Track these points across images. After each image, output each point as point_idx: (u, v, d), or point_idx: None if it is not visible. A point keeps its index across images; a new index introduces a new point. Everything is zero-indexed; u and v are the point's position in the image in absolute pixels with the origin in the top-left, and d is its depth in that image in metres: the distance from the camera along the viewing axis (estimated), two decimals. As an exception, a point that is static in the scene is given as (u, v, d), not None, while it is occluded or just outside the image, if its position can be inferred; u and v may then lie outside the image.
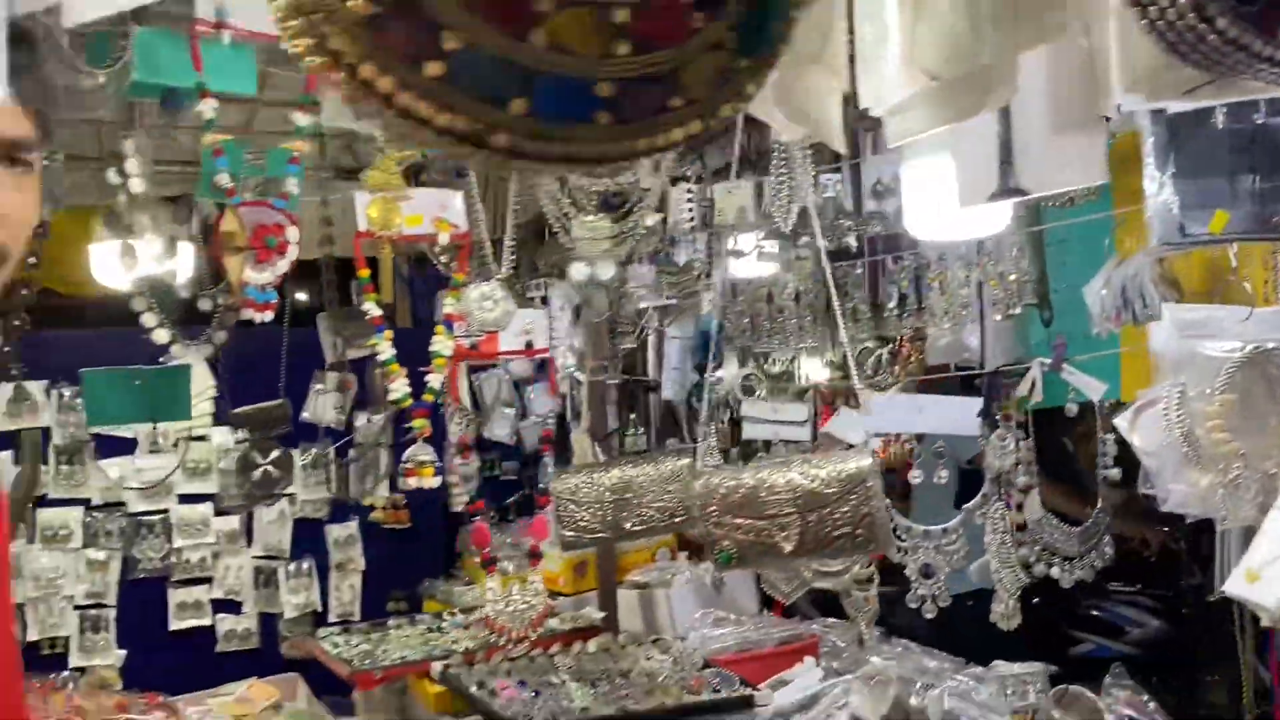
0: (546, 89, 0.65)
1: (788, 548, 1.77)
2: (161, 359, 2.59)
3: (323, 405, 3.43)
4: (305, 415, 3.48)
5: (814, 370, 2.86)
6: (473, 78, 0.65)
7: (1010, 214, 1.78)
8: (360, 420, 3.63)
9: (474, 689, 2.21)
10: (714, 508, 1.83)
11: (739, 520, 1.81)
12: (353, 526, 3.77)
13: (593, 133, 0.67)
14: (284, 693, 3.33)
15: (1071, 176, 1.35)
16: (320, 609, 3.71)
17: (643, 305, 2.93)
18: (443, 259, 2.51)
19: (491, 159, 0.65)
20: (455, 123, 0.65)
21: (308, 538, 3.74)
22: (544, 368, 3.95)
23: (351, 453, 3.63)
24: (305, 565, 3.67)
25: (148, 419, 2.34)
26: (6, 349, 2.09)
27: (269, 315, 1.90)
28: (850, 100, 0.95)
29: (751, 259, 2.52)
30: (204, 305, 2.27)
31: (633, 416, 3.28)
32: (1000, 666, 2.20)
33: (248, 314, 1.90)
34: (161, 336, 2.12)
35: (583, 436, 2.86)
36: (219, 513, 3.55)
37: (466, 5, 0.64)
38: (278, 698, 3.30)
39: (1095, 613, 3.20)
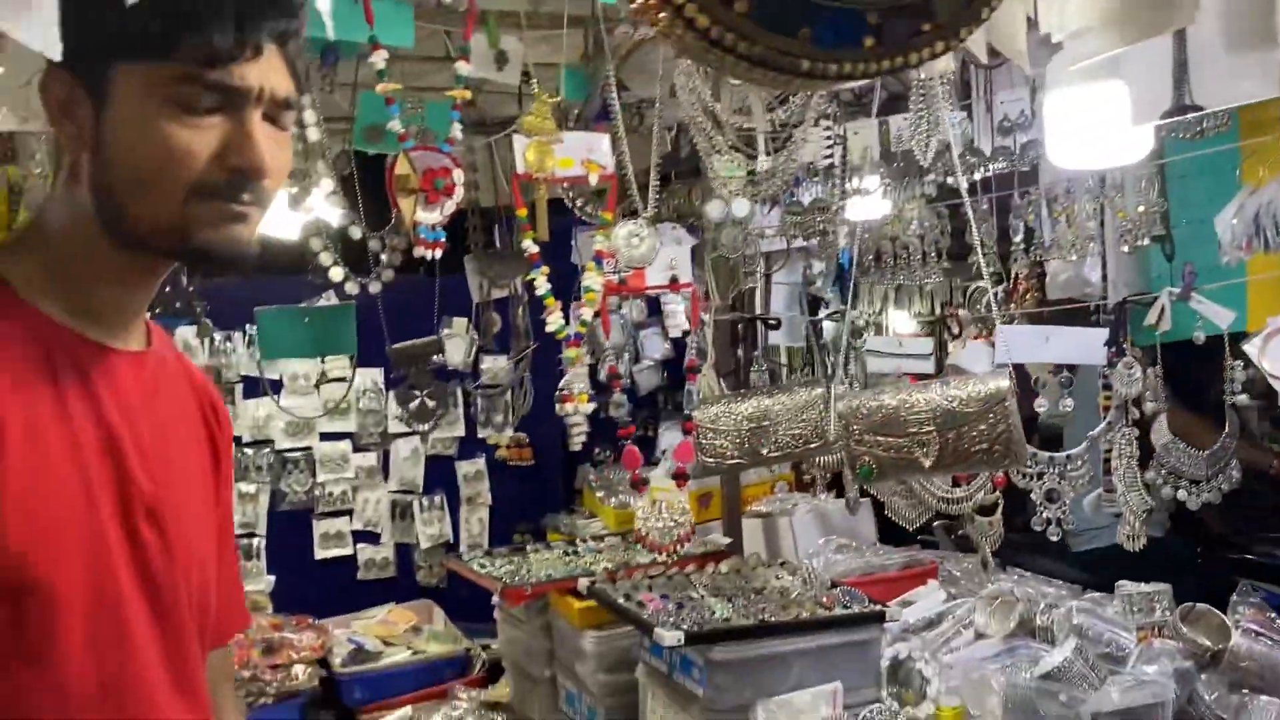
0: (826, 19, 0.77)
1: (927, 463, 1.89)
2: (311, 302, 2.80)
3: (453, 349, 3.61)
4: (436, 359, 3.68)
5: (937, 304, 2.95)
6: (769, 13, 0.77)
7: (1151, 143, 1.84)
8: (486, 363, 3.83)
9: (621, 600, 2.36)
10: (856, 427, 1.95)
11: (880, 438, 1.92)
12: (480, 463, 3.98)
13: (859, 55, 0.78)
14: (421, 617, 3.58)
15: (1247, 90, 1.40)
16: (452, 540, 3.93)
17: (765, 250, 3.04)
18: (578, 203, 2.64)
19: (779, 79, 0.77)
20: (754, 50, 0.77)
21: (439, 474, 3.95)
22: (658, 312, 4.11)
23: (479, 394, 3.84)
24: (437, 499, 3.89)
25: (315, 353, 2.53)
26: (190, 289, 2.28)
27: (438, 253, 2.05)
28: (1032, 25, 1.04)
29: (876, 197, 2.61)
30: (374, 245, 2.44)
31: (756, 354, 3.41)
32: (1126, 585, 2.29)
33: (418, 251, 2.05)
34: (336, 274, 2.29)
35: (709, 372, 2.98)
36: (357, 449, 3.79)
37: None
38: (415, 621, 3.54)
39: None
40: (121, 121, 1.18)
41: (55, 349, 1.22)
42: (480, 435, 3.93)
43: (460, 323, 3.74)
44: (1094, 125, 1.52)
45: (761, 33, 0.75)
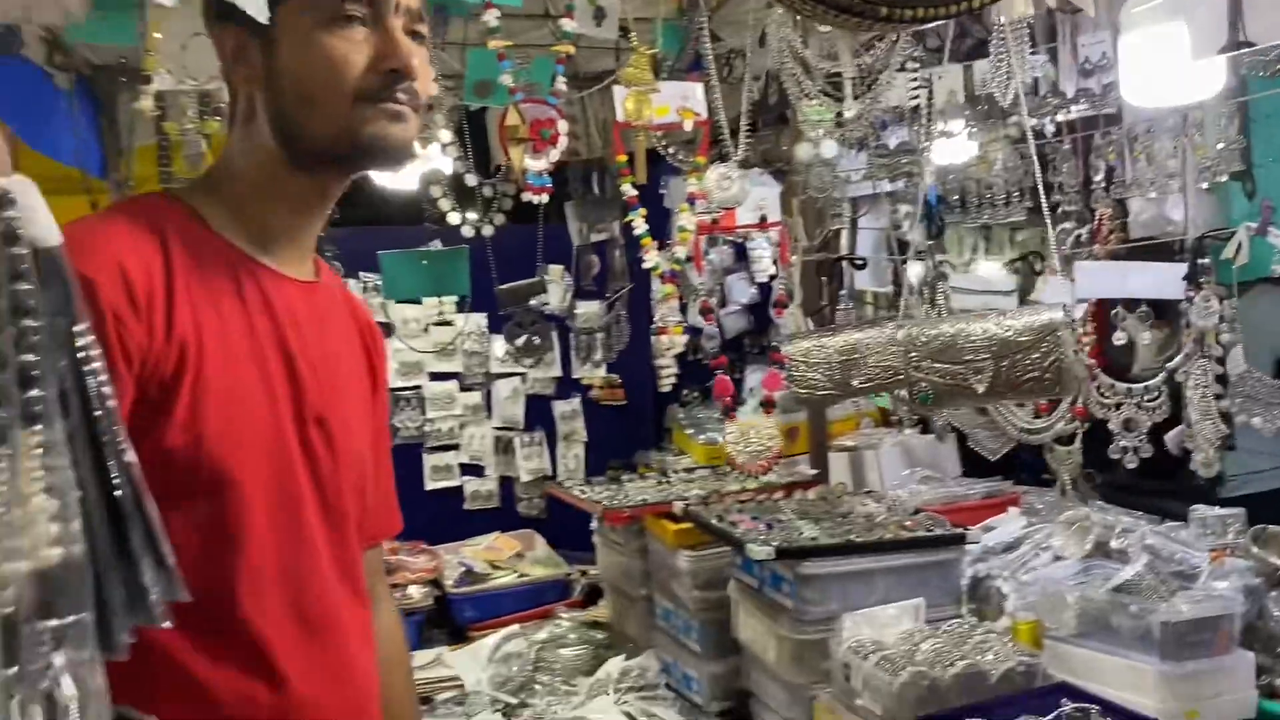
0: None
1: (980, 389, 2.00)
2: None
3: (552, 294, 3.80)
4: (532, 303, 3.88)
5: (1020, 242, 3.03)
6: None
7: (1223, 79, 1.92)
8: (581, 308, 4.02)
9: (714, 521, 2.54)
10: (915, 354, 2.07)
11: (937, 364, 2.04)
12: (576, 403, 4.19)
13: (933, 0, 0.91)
14: (523, 545, 3.81)
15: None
16: (550, 474, 4.15)
17: (853, 195, 3.16)
18: (671, 150, 2.79)
19: (862, 23, 0.91)
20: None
21: (538, 412, 4.17)
22: (744, 259, 4.24)
23: (573, 337, 4.03)
24: (536, 436, 4.12)
25: (433, 293, 2.73)
26: (321, 235, 2.47)
27: (545, 197, 2.22)
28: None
29: (961, 140, 2.70)
30: (486, 192, 2.63)
31: (842, 293, 3.53)
32: (1200, 509, 2.38)
33: (527, 196, 2.22)
34: (454, 219, 2.48)
35: (796, 311, 3.12)
36: (463, 389, 4.02)
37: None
38: (519, 549, 3.77)
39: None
40: (287, 52, 1.37)
41: (242, 274, 1.42)
42: (576, 376, 4.14)
43: (557, 269, 3.93)
44: (1161, 64, 1.60)
45: None
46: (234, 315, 1.39)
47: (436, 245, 2.88)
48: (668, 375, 4.06)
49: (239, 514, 1.35)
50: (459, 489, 4.07)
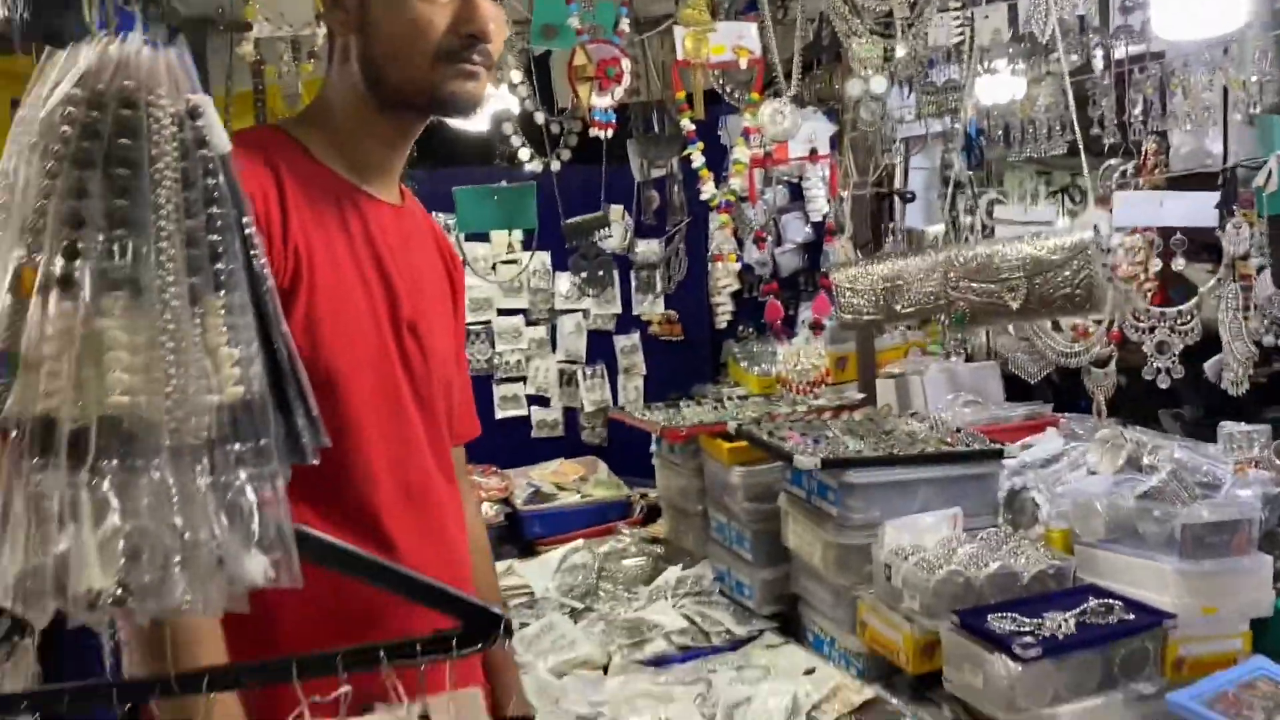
0: None
1: (1014, 305, 2.14)
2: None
3: (611, 230, 3.98)
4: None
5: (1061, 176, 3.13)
6: None
7: (1246, 12, 2.02)
8: (640, 246, 4.20)
9: (765, 437, 2.72)
10: (953, 274, 2.21)
11: (974, 284, 2.18)
12: (635, 338, 4.38)
13: None
14: (586, 470, 4.03)
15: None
16: (611, 405, 4.36)
17: (905, 135, 3.28)
18: (728, 89, 2.93)
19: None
20: None
21: (600, 346, 4.37)
22: (799, 198, 4.37)
23: (633, 274, 4.22)
24: (598, 369, 4.32)
25: (503, 225, 2.92)
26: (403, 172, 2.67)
27: (609, 132, 2.39)
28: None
29: (1005, 76, 2.80)
30: (554, 129, 2.80)
31: (892, 226, 3.66)
32: (1228, 425, 2.51)
33: (594, 132, 2.39)
34: (524, 154, 2.67)
35: (846, 244, 3.26)
36: (529, 324, 4.24)
37: None
38: (582, 473, 3.99)
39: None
40: (380, 6, 1.55)
41: (342, 197, 1.62)
42: (636, 312, 4.32)
43: (617, 209, 4.11)
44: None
45: None
46: (337, 234, 1.59)
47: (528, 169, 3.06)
48: (724, 312, 4.25)
49: (349, 406, 1.56)
50: (526, 418, 4.29)
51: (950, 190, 3.82)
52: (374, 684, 1.02)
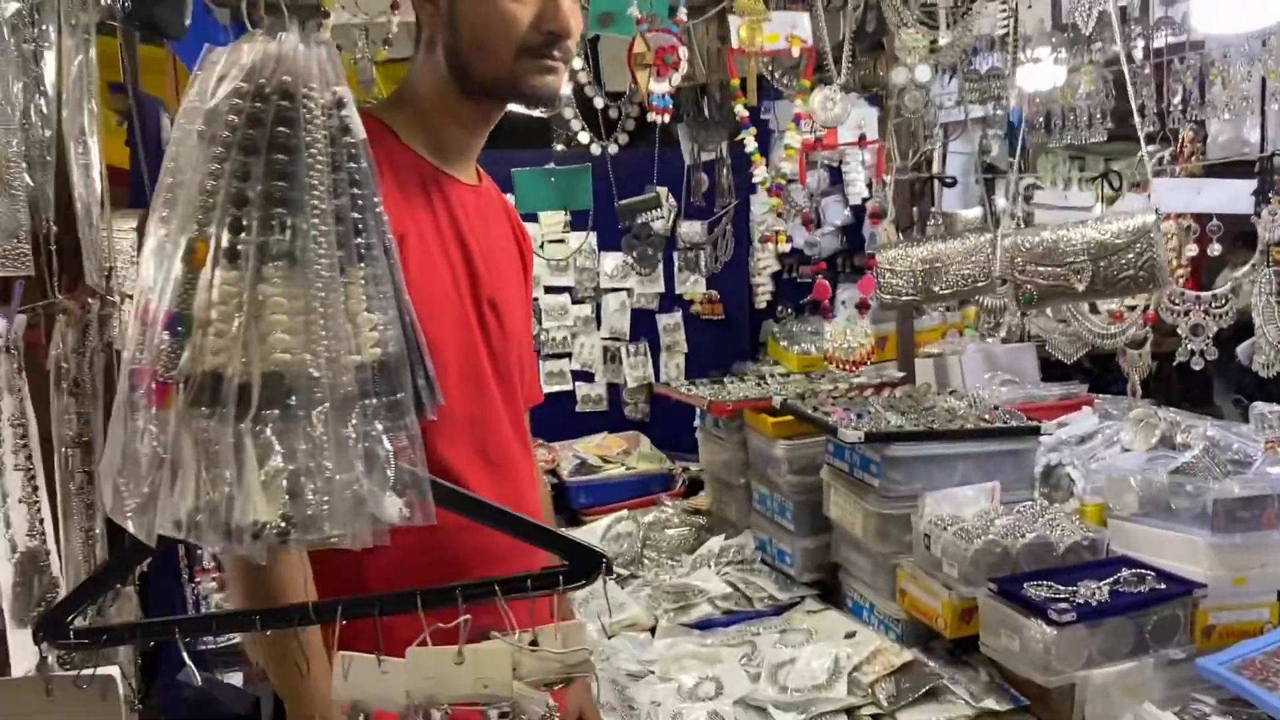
0: None
1: (1080, 287, 2.24)
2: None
3: (661, 211, 4.08)
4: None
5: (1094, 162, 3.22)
6: None
7: (1283, 8, 2.10)
8: (684, 227, 4.31)
9: (810, 411, 2.83)
10: (1020, 259, 2.31)
11: (1040, 268, 2.28)
12: (678, 316, 4.49)
13: None
14: (629, 444, 4.15)
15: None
16: (653, 381, 4.48)
17: (944, 121, 3.36)
18: (776, 74, 3.03)
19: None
20: None
21: (643, 324, 4.49)
22: (838, 181, 4.46)
23: (676, 255, 4.33)
24: (641, 346, 4.43)
25: (559, 206, 3.03)
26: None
27: (667, 118, 2.50)
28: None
29: (1047, 65, 2.88)
30: (612, 114, 2.91)
31: (932, 210, 3.75)
32: (1260, 406, 2.59)
33: (652, 116, 2.50)
34: (584, 138, 2.78)
35: (889, 226, 3.35)
36: (575, 302, 4.36)
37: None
38: (626, 446, 4.11)
39: None
40: (468, 1, 1.66)
41: (427, 178, 1.73)
42: (679, 292, 4.43)
43: (663, 191, 4.21)
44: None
45: None
46: (423, 212, 1.70)
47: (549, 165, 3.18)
48: (764, 292, 4.35)
49: (437, 372, 1.68)
50: (571, 393, 4.42)
51: (986, 176, 3.90)
52: (481, 618, 1.15)
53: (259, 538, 0.99)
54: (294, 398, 1.00)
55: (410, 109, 1.76)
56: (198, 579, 2.53)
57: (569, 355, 4.43)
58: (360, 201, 1.07)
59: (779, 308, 4.57)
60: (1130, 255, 2.18)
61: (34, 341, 1.72)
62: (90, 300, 1.90)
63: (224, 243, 1.00)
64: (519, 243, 1.97)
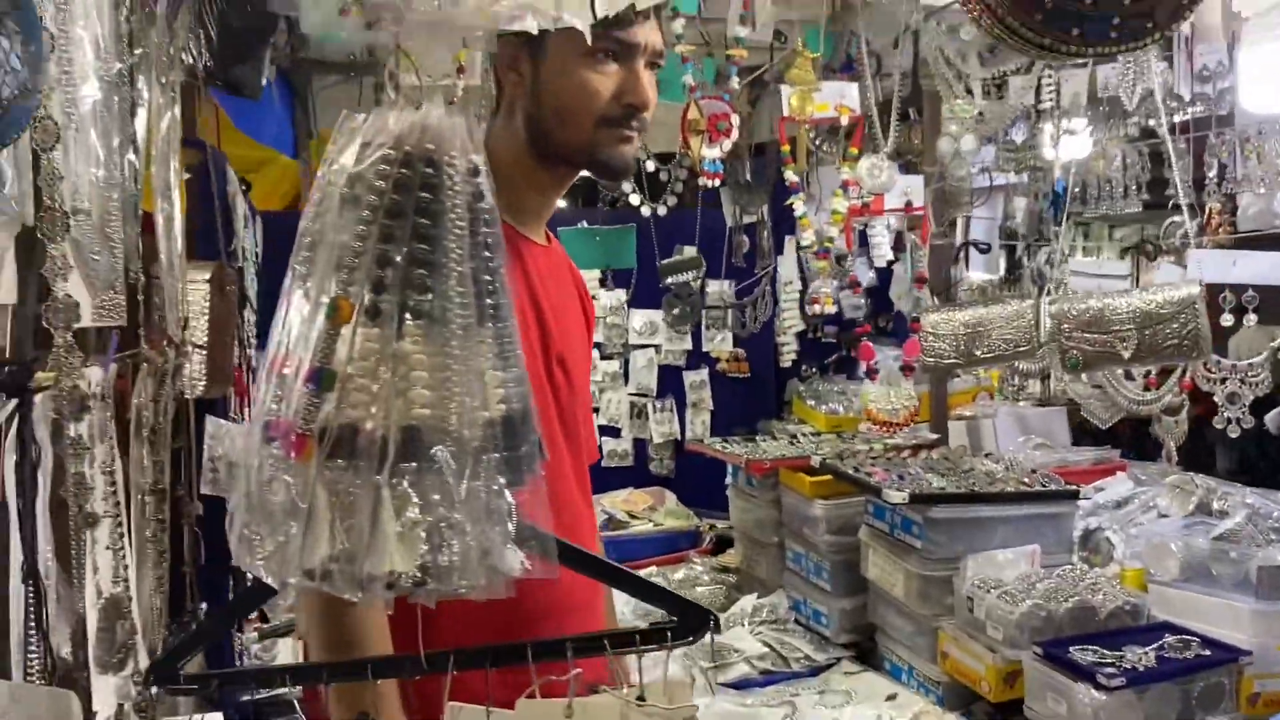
0: (1090, 22, 1.21)
1: (1126, 355, 2.29)
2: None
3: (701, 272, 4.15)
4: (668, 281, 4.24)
5: (1119, 238, 3.29)
6: (1057, 18, 1.22)
7: (1331, 90, 2.18)
8: (711, 287, 4.38)
9: (851, 471, 2.86)
10: (1066, 325, 2.36)
11: (1087, 335, 2.34)
12: (704, 373, 4.54)
13: (1106, 43, 1.22)
14: (655, 499, 4.17)
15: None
16: (679, 438, 4.51)
17: (978, 185, 3.43)
18: (817, 141, 3.10)
19: (1048, 55, 1.22)
20: (1044, 39, 1.22)
21: (670, 380, 4.53)
22: (864, 244, 4.53)
23: (704, 314, 4.39)
24: (668, 402, 4.48)
25: (604, 265, 3.10)
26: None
27: (718, 181, 2.56)
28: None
29: (1083, 137, 2.96)
30: (663, 176, 2.98)
31: (963, 275, 3.81)
32: (1297, 474, 2.63)
33: (703, 181, 2.56)
34: (635, 199, 2.84)
35: (925, 290, 3.41)
36: (604, 357, 4.41)
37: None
38: (652, 502, 4.13)
39: None
40: (552, 71, 1.71)
41: (506, 239, 1.78)
42: (705, 349, 4.49)
43: (690, 250, 4.28)
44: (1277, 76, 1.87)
45: (1051, 30, 1.19)
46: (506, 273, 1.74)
47: (583, 223, 3.24)
48: (789, 351, 4.40)
49: None
50: (598, 447, 4.45)
51: (1009, 243, 3.98)
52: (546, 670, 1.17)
53: (392, 587, 1.02)
54: (430, 451, 1.03)
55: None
56: (244, 629, 2.54)
57: (596, 410, 4.47)
58: (491, 264, 1.11)
59: (803, 366, 4.62)
60: (1175, 325, 2.24)
61: (121, 389, 1.75)
62: (168, 349, 1.94)
63: (367, 301, 1.04)
64: (583, 303, 2.02)
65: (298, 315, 1.08)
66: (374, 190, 1.06)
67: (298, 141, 3.97)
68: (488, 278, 1.11)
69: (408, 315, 1.04)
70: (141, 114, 1.86)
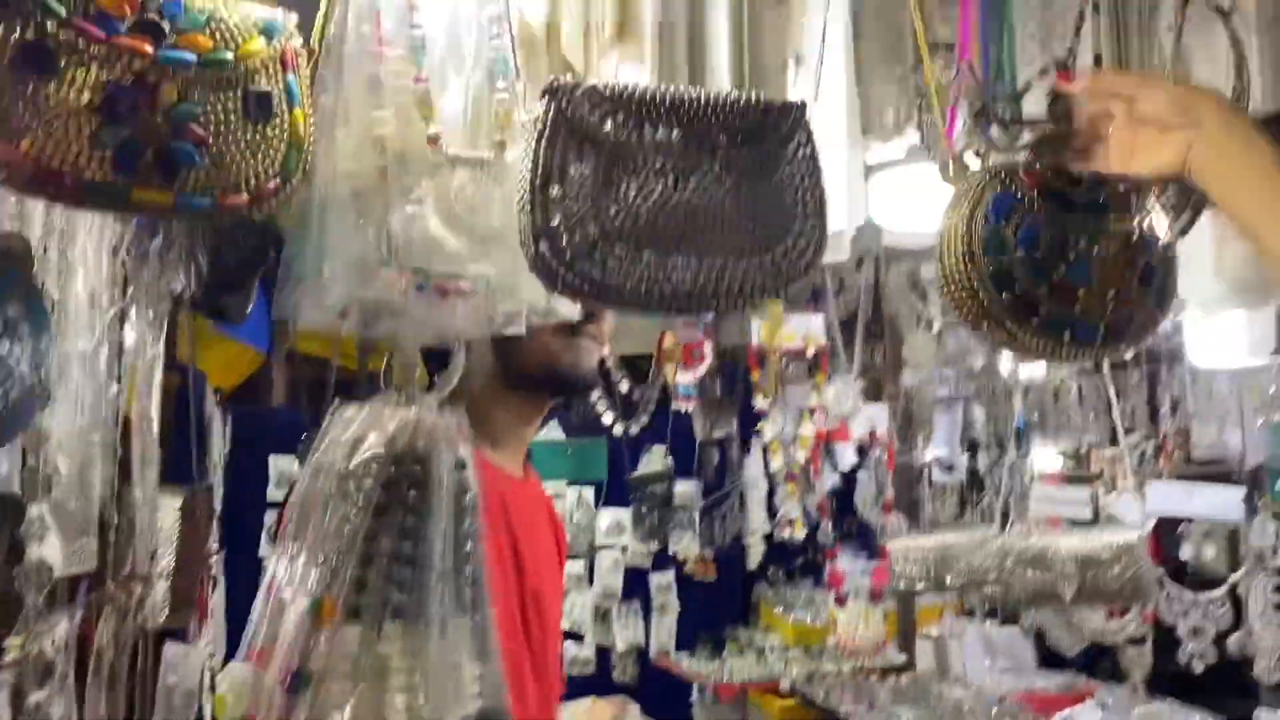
0: (1080, 328, 1.28)
1: (1067, 595, 2.31)
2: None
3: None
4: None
5: (1094, 459, 3.37)
6: (1047, 325, 1.28)
7: (1271, 346, 2.29)
8: (678, 488, 4.38)
9: (819, 699, 2.82)
10: (1009, 560, 2.40)
11: (1029, 571, 2.36)
12: (670, 575, 4.48)
13: (1090, 351, 1.31)
14: (616, 710, 4.05)
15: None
16: (644, 644, 4.42)
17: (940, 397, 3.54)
18: (786, 366, 3.19)
19: (1030, 351, 1.28)
20: (1031, 344, 1.28)
21: (635, 583, 4.47)
22: (831, 454, 4.59)
23: (672, 516, 4.38)
24: (633, 606, 4.40)
25: (575, 478, 3.12)
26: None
27: (691, 405, 2.62)
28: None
29: (1041, 364, 3.06)
30: (635, 396, 3.04)
31: (928, 490, 3.86)
32: (1263, 714, 2.63)
33: (676, 405, 2.62)
34: (608, 418, 2.89)
35: (892, 516, 3.44)
36: (569, 558, 4.35)
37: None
38: (614, 714, 4.01)
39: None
40: None
41: (486, 481, 1.79)
42: (671, 550, 4.45)
43: (659, 450, 4.31)
44: (1223, 346, 1.98)
45: (1040, 339, 1.27)
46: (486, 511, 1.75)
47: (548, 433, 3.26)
48: (756, 554, 4.38)
49: None
50: (559, 655, 4.34)
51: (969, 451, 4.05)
52: None
53: None
54: (404, 754, 1.03)
55: (464, 405, 1.84)
56: None
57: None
58: (473, 555, 1.13)
59: (769, 569, 4.59)
60: (1116, 569, 2.27)
61: (84, 629, 1.72)
62: (133, 584, 1.91)
63: (349, 601, 1.05)
64: (556, 532, 2.02)
65: (279, 605, 1.09)
66: (361, 489, 1.08)
67: (273, 337, 4.00)
68: (469, 568, 1.13)
69: (388, 614, 1.05)
70: (129, 347, 1.89)
